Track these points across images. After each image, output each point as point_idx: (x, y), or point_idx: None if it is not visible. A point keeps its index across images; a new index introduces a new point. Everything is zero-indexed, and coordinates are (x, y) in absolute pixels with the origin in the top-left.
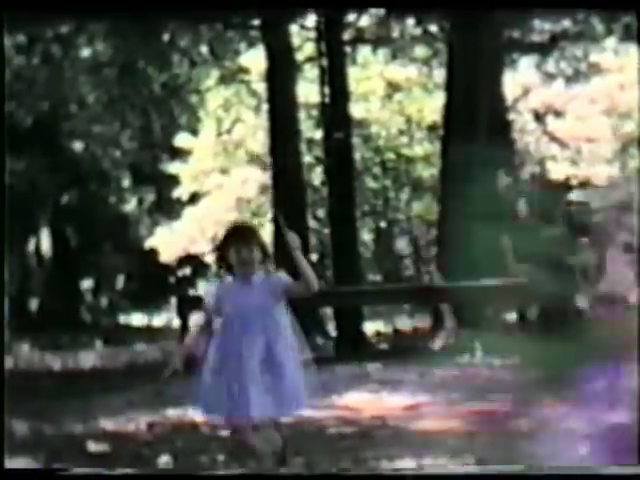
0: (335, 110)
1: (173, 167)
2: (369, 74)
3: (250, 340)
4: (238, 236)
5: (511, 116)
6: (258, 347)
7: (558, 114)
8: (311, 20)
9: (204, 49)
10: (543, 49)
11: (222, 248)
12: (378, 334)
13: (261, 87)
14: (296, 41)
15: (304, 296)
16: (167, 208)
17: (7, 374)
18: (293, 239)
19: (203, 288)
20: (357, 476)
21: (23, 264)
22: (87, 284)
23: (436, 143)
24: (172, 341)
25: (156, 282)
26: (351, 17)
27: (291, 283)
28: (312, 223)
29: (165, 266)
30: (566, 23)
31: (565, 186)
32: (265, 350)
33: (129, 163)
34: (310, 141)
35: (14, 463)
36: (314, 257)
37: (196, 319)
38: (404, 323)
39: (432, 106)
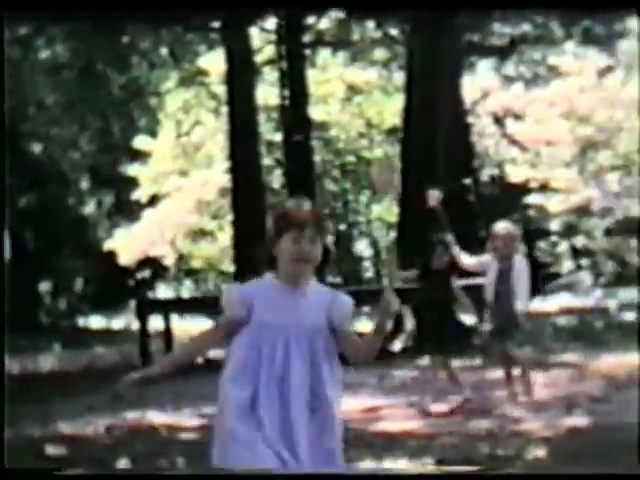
0: (295, 113)
1: (132, 169)
2: (329, 77)
3: (298, 371)
4: (300, 218)
5: (470, 119)
6: (306, 382)
7: (517, 117)
8: (271, 23)
9: (164, 51)
10: (502, 52)
11: (273, 235)
12: (359, 334)
13: (221, 89)
14: (256, 44)
15: (346, 355)
16: (126, 210)
17: None
18: (391, 304)
19: (224, 287)
20: (355, 476)
21: None
22: (45, 287)
23: (396, 146)
24: (131, 344)
25: (115, 285)
26: (311, 20)
27: (351, 332)
28: None
29: (124, 269)
30: (525, 27)
31: (523, 189)
32: (312, 387)
33: (88, 165)
34: (270, 144)
35: None
36: None
37: (201, 326)
38: (364, 325)
39: (392, 109)
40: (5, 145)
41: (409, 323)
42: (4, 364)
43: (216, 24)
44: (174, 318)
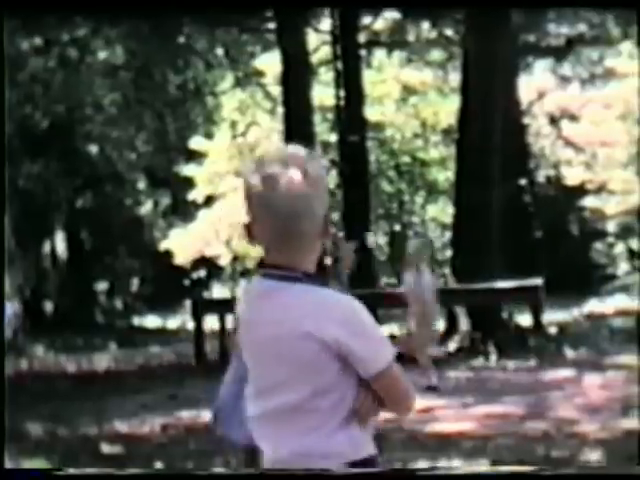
0: (350, 113)
1: (188, 170)
2: (384, 77)
3: None
4: None
5: (526, 120)
6: None
7: (573, 118)
8: (326, 23)
9: (220, 52)
10: (559, 53)
11: None
12: (392, 337)
13: (276, 90)
14: (311, 44)
15: None
16: (182, 210)
17: (22, 376)
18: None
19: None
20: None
21: (38, 266)
22: (102, 286)
23: (451, 146)
24: (186, 344)
25: (171, 284)
26: (366, 20)
27: None
28: None
29: (180, 268)
30: (582, 27)
31: (579, 190)
32: None
33: (144, 166)
34: (325, 144)
35: (29, 464)
36: (328, 261)
37: None
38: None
39: (447, 109)
40: (5, 146)
41: (463, 324)
42: (4, 364)
43: (271, 25)
44: (229, 318)
